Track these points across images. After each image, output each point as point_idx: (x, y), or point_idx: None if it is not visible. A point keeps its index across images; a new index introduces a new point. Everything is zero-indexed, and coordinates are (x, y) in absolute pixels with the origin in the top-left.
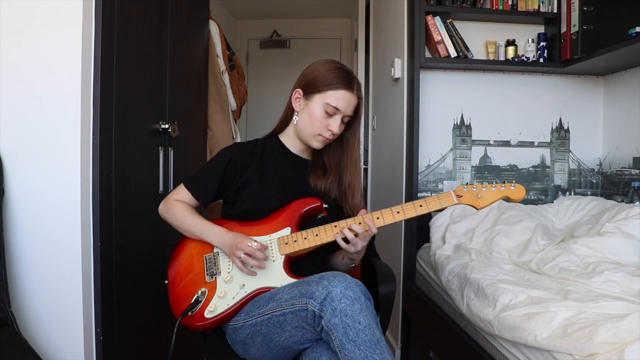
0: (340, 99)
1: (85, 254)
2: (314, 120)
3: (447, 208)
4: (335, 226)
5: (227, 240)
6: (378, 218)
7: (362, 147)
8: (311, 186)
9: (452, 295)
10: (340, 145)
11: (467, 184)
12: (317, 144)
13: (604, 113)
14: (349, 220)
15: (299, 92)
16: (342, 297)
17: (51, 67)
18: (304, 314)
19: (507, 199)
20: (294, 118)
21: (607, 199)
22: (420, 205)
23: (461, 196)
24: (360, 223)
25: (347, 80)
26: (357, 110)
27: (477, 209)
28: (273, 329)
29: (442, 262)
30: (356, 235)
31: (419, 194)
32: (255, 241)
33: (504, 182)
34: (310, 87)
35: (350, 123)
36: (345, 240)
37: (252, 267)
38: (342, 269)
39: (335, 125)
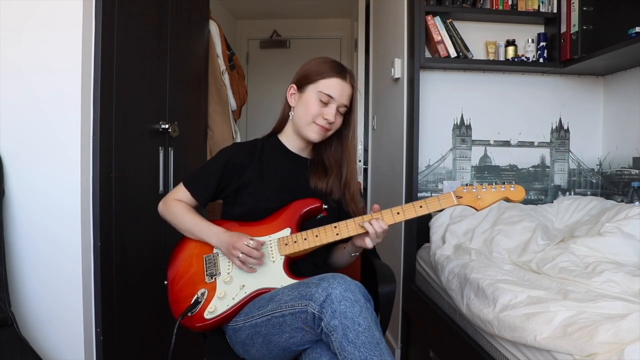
0: (333, 86)
1: (85, 254)
2: (309, 110)
3: (447, 208)
4: (335, 227)
5: (225, 240)
6: (378, 219)
7: (361, 144)
8: (311, 186)
9: (452, 295)
10: (340, 142)
11: (467, 184)
12: (313, 134)
13: (604, 113)
14: (349, 221)
15: (293, 88)
16: (342, 299)
17: (51, 67)
18: (303, 316)
19: (507, 200)
20: (290, 114)
21: (607, 199)
22: (420, 206)
23: (461, 197)
24: (360, 222)
25: (338, 69)
26: (351, 100)
27: (477, 210)
28: (273, 330)
29: (442, 262)
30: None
31: (419, 194)
32: (252, 239)
33: (504, 183)
34: (303, 80)
35: (346, 115)
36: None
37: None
38: (346, 259)
39: (330, 113)
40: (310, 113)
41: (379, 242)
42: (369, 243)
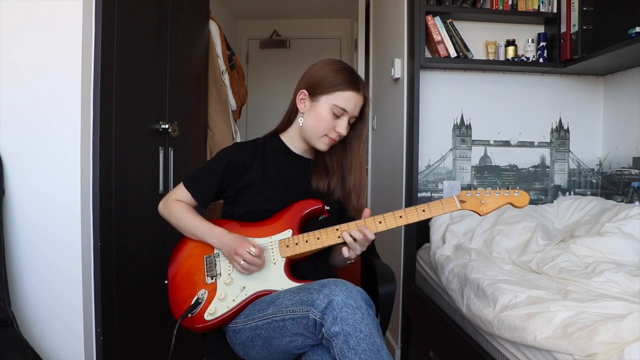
0: (348, 99)
1: (85, 253)
2: (320, 122)
3: None
4: (337, 229)
5: (226, 243)
6: (380, 222)
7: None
8: (313, 187)
9: (452, 295)
10: (343, 146)
11: (469, 186)
12: (322, 146)
13: (604, 113)
14: (351, 224)
15: (304, 93)
16: (344, 306)
17: (51, 67)
18: (304, 322)
19: (511, 205)
20: (298, 119)
21: (607, 199)
22: (423, 210)
23: (464, 202)
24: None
25: (354, 81)
26: (362, 110)
27: (480, 215)
28: (273, 333)
29: (442, 262)
30: (355, 240)
31: (419, 194)
32: (254, 246)
33: (508, 188)
34: (316, 88)
35: (355, 124)
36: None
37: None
38: (340, 264)
39: (342, 126)
40: (323, 126)
41: (363, 250)
42: (348, 254)
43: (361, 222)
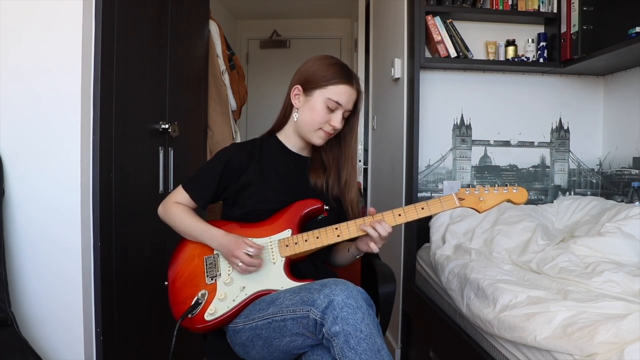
0: (341, 93)
1: (85, 254)
2: (315, 116)
3: None
4: (337, 228)
5: (225, 244)
6: (381, 221)
7: (361, 144)
8: (311, 185)
9: (452, 295)
10: (338, 142)
11: (469, 186)
12: (318, 140)
13: (604, 113)
14: (350, 222)
15: (298, 89)
16: (344, 306)
17: (51, 67)
18: (305, 321)
19: (510, 202)
20: (293, 115)
21: (607, 199)
22: (422, 208)
23: (463, 199)
24: (361, 225)
25: (347, 74)
26: (356, 104)
27: (479, 212)
28: (273, 333)
29: (442, 262)
30: (379, 235)
31: (419, 194)
32: (252, 246)
33: (507, 185)
34: (310, 83)
35: (348, 119)
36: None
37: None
38: (348, 260)
39: (337, 120)
40: (317, 120)
41: (384, 243)
42: (374, 248)
43: (360, 221)
